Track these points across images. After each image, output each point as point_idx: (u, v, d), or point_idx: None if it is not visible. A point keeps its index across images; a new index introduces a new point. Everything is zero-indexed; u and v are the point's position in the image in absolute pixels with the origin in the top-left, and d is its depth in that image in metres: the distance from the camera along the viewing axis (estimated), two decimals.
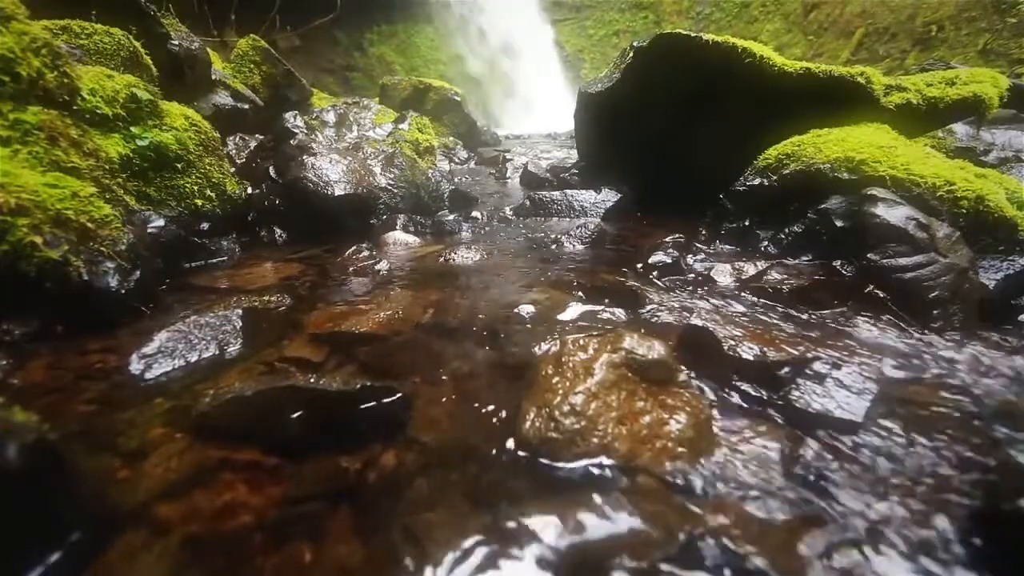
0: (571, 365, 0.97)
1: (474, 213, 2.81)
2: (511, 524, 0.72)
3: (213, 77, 3.28)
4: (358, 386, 0.97)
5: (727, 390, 1.04)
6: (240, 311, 1.35)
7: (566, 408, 0.89)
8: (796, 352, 1.10)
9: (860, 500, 0.77)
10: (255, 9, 6.75)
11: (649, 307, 1.44)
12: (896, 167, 1.80)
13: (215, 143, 2.23)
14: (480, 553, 0.68)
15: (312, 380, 0.98)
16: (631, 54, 2.53)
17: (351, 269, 1.89)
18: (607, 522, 0.73)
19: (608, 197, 2.81)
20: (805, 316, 1.39)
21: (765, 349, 1.09)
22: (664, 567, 0.66)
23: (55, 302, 1.29)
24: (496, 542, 0.69)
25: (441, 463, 0.85)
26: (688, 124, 2.60)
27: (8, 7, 1.52)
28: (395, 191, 2.61)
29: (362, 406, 0.97)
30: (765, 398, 1.01)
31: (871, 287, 1.45)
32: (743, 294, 1.55)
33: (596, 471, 0.82)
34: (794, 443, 0.89)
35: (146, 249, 1.56)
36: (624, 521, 0.73)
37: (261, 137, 2.96)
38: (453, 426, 0.95)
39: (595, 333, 1.07)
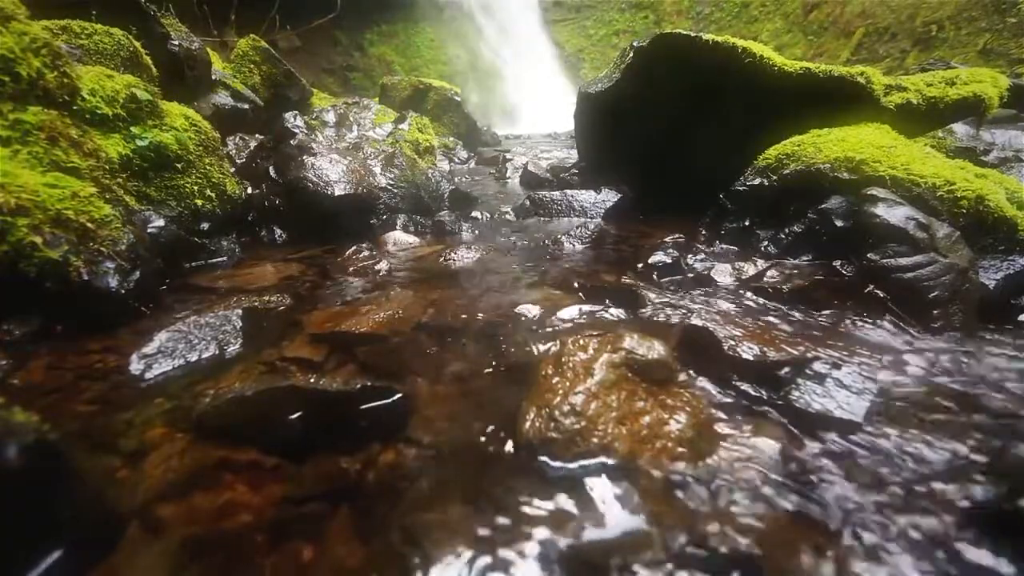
0: (571, 365, 0.97)
1: (474, 213, 2.81)
2: (511, 524, 0.72)
3: (213, 77, 3.28)
4: (358, 386, 0.97)
5: (727, 390, 1.04)
6: (240, 311, 1.35)
7: (566, 408, 0.89)
8: (796, 352, 1.10)
9: (860, 500, 0.77)
10: (255, 9, 6.75)
11: (649, 307, 1.44)
12: (896, 167, 1.79)
13: (215, 143, 2.23)
14: (480, 553, 0.68)
15: (312, 380, 0.98)
16: (631, 54, 2.53)
17: (351, 269, 1.89)
18: (607, 522, 0.73)
19: (608, 197, 2.81)
20: (805, 316, 1.39)
21: (765, 349, 1.09)
22: (664, 567, 0.66)
23: (55, 302, 1.29)
24: (496, 542, 0.69)
25: (441, 463, 0.85)
26: (688, 124, 2.60)
27: (8, 7, 1.52)
28: (395, 191, 2.61)
29: (362, 406, 0.97)
30: (765, 398, 1.01)
31: (871, 287, 1.44)
32: (743, 294, 1.55)
33: (596, 471, 0.82)
34: (794, 443, 0.89)
35: (146, 249, 1.56)
36: (624, 521, 0.73)
37: (261, 137, 2.96)
38: (453, 426, 0.95)
39: (595, 333, 1.07)
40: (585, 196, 2.83)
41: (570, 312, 1.41)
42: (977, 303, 1.41)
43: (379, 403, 0.99)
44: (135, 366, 1.14)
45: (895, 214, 1.51)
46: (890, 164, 1.81)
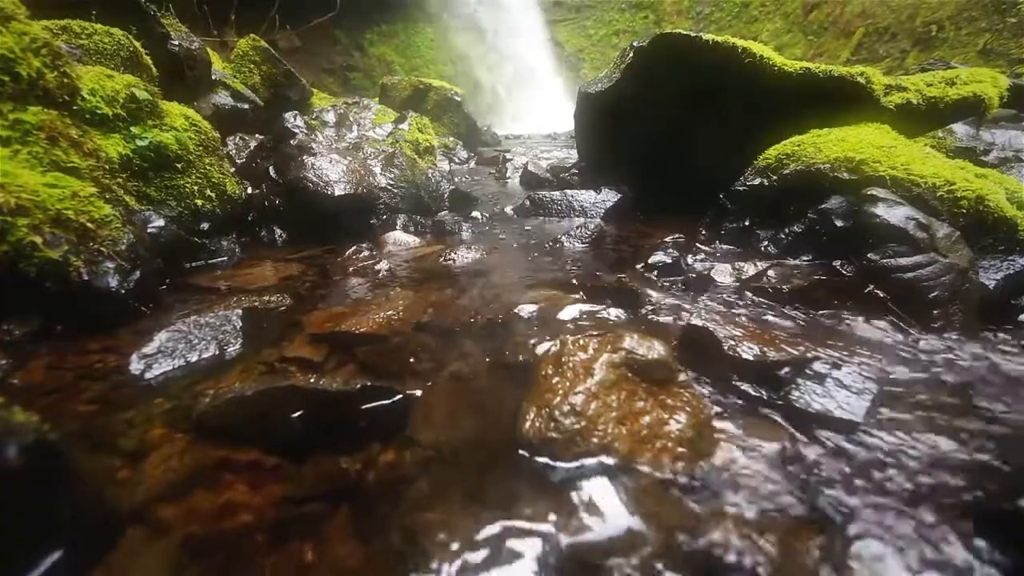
0: (571, 365, 0.97)
1: (474, 213, 2.81)
2: (511, 524, 0.72)
3: (213, 77, 3.28)
4: (358, 386, 0.97)
5: (727, 390, 1.04)
6: (240, 311, 1.35)
7: (566, 408, 0.89)
8: (796, 352, 1.10)
9: (860, 500, 0.77)
10: (255, 9, 6.75)
11: (649, 307, 1.44)
12: (896, 167, 1.79)
13: (215, 143, 2.23)
14: (480, 553, 0.68)
15: (312, 380, 0.98)
16: (631, 54, 2.53)
17: (351, 269, 1.89)
18: (607, 522, 0.73)
19: (608, 197, 2.81)
20: (805, 316, 1.39)
21: (765, 349, 1.09)
22: (664, 567, 0.66)
23: (55, 302, 1.29)
24: (495, 542, 0.69)
25: (441, 463, 0.85)
26: (688, 124, 2.60)
27: (8, 7, 1.52)
28: (395, 191, 2.61)
29: (362, 406, 0.97)
30: (765, 398, 1.01)
31: (871, 287, 1.44)
32: (743, 294, 1.55)
33: (596, 471, 0.82)
34: (794, 443, 0.89)
35: (146, 249, 1.56)
36: (624, 521, 0.73)
37: (261, 137, 2.96)
38: (453, 426, 0.95)
39: (595, 333, 1.07)
40: (585, 196, 2.83)
41: (570, 312, 1.41)
42: (977, 303, 1.41)
43: (379, 403, 0.99)
44: (135, 366, 1.14)
45: (895, 214, 1.51)
46: (890, 164, 1.81)
